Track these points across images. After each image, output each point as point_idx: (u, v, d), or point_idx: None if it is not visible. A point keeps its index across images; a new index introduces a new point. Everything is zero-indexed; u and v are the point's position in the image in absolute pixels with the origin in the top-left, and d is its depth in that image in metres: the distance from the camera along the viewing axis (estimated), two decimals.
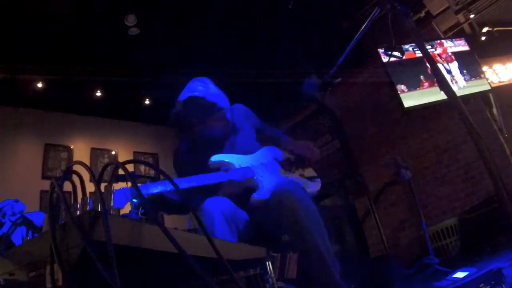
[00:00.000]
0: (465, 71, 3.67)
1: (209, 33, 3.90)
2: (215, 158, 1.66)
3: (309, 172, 1.91)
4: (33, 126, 4.48)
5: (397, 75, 3.61)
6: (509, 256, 1.89)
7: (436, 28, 4.20)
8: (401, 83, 3.59)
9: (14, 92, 4.14)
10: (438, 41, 3.83)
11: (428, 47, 3.68)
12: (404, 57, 1.77)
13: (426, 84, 3.61)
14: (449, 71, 3.62)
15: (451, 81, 3.55)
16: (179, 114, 1.70)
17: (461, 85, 3.57)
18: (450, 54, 3.73)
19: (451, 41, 3.86)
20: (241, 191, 1.62)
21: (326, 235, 1.47)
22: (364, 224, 4.21)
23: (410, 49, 3.59)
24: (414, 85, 3.60)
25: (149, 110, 4.98)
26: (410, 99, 3.59)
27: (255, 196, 1.59)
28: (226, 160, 1.64)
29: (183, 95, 1.68)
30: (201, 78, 1.76)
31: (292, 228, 1.45)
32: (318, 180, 1.87)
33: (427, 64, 1.24)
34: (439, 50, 3.71)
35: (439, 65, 3.59)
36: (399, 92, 3.59)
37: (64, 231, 0.60)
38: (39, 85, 4.10)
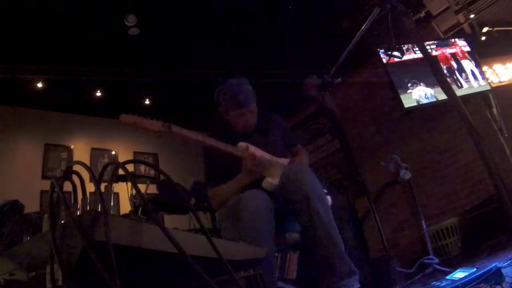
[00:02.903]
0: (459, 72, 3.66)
1: (209, 33, 3.90)
2: (243, 143, 1.77)
3: None
4: (33, 126, 4.48)
5: (397, 75, 3.60)
6: (509, 256, 1.89)
7: (436, 28, 4.19)
8: (401, 84, 3.58)
9: (14, 92, 4.14)
10: (438, 42, 3.83)
11: (430, 47, 3.68)
12: (403, 58, 1.77)
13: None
14: (453, 72, 3.61)
15: (457, 81, 3.54)
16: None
17: (474, 85, 3.55)
18: (450, 54, 3.73)
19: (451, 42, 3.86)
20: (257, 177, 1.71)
21: (330, 211, 1.58)
22: (364, 224, 4.20)
23: (410, 49, 3.59)
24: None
25: (149, 110, 4.98)
26: (410, 99, 3.59)
27: (268, 179, 1.71)
28: (251, 147, 1.76)
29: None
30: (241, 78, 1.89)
31: (299, 198, 1.54)
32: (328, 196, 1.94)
33: (428, 64, 1.24)
34: (445, 51, 3.70)
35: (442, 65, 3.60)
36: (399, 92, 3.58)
37: (64, 231, 0.60)
38: (39, 85, 4.09)
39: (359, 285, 1.47)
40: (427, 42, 3.71)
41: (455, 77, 3.59)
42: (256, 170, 1.67)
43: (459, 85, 3.54)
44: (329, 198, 1.83)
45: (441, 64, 3.62)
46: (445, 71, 3.57)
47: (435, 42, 3.81)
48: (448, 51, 3.74)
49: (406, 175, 3.77)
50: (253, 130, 1.91)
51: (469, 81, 3.60)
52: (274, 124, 2.03)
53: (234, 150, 1.71)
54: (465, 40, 3.90)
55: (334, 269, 1.47)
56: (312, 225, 1.51)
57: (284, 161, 1.93)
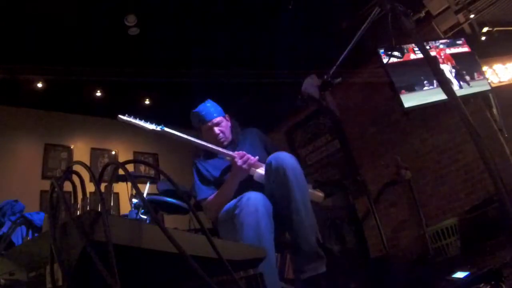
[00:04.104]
0: (465, 72, 3.66)
1: (209, 33, 3.90)
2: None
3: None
4: (33, 126, 4.48)
5: (397, 76, 3.60)
6: (509, 255, 1.89)
7: (436, 28, 4.19)
8: (402, 84, 3.58)
9: (14, 92, 4.14)
10: (438, 41, 3.82)
11: (429, 47, 3.68)
12: (403, 58, 1.77)
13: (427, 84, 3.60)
14: (453, 72, 3.61)
15: (459, 82, 3.54)
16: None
17: (474, 85, 3.55)
18: (451, 54, 3.72)
19: (451, 41, 3.85)
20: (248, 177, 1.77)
21: (307, 190, 1.62)
22: (364, 224, 4.20)
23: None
24: (414, 86, 3.58)
25: (149, 110, 4.98)
26: (410, 99, 3.58)
27: (258, 171, 1.76)
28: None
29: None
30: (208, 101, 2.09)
31: (278, 177, 1.57)
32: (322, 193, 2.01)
33: (428, 64, 1.24)
34: (448, 51, 3.70)
35: (444, 65, 3.60)
36: (399, 92, 3.57)
37: (64, 231, 0.60)
38: (39, 85, 4.09)
39: (325, 269, 1.48)
40: (439, 41, 3.72)
41: (458, 77, 3.59)
42: (246, 168, 1.73)
43: (463, 84, 3.55)
44: (317, 193, 1.90)
45: (449, 63, 3.62)
46: (450, 70, 3.57)
47: (447, 41, 3.81)
48: (452, 51, 3.74)
49: (406, 175, 3.78)
50: (228, 145, 2.00)
51: (470, 81, 3.59)
52: (252, 139, 2.08)
53: (224, 150, 1.81)
54: (465, 40, 3.90)
55: (300, 251, 1.48)
56: (287, 196, 1.54)
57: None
